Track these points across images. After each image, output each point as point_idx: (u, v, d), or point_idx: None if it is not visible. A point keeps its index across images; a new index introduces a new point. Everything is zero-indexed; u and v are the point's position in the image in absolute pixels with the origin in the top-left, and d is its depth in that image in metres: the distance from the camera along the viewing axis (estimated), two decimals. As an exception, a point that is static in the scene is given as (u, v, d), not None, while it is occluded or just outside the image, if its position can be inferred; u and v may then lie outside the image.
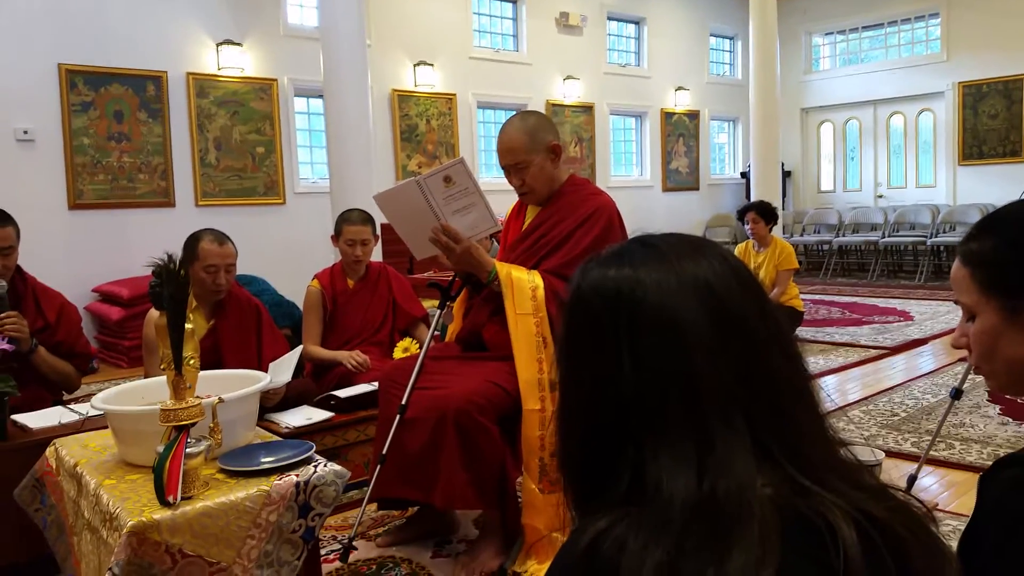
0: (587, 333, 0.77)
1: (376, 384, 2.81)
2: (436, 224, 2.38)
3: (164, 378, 1.83)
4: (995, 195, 9.37)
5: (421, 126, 8.37)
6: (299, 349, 2.89)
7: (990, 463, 0.94)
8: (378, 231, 3.70)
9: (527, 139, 2.48)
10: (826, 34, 11.83)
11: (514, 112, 2.68)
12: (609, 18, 10.28)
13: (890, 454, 3.40)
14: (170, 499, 1.67)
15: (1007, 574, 0.90)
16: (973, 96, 10.11)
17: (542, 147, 2.50)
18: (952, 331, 1.16)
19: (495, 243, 3.29)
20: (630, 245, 0.80)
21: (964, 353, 1.13)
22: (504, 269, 2.43)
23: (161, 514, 1.65)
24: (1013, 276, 1.03)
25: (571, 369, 0.80)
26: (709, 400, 0.71)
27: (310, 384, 3.29)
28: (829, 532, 0.66)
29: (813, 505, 0.68)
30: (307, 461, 1.92)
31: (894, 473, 3.13)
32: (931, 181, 10.78)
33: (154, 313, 2.84)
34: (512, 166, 2.52)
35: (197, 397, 1.83)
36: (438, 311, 2.61)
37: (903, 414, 4.11)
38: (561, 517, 2.26)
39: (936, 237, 9.62)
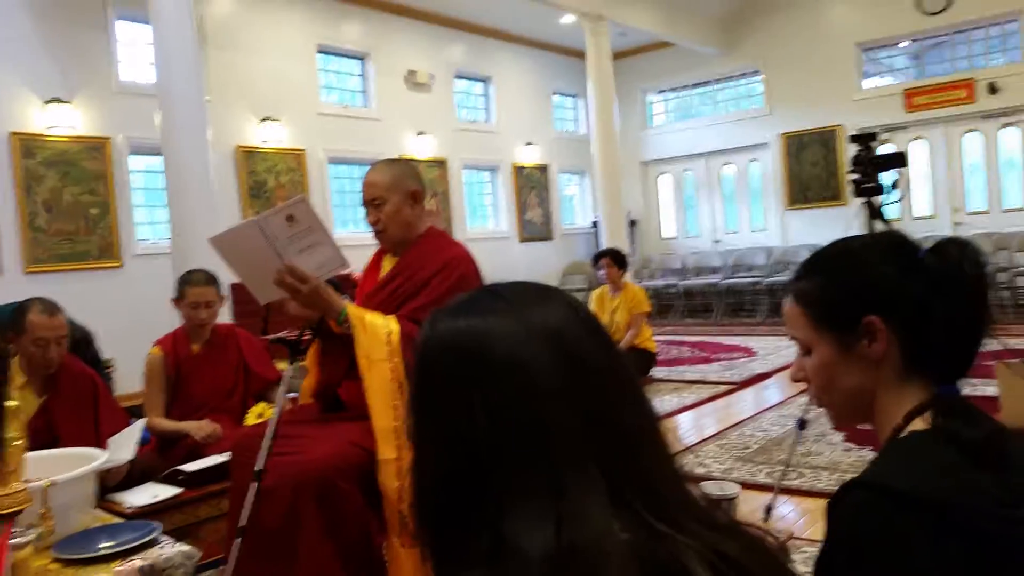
0: (438, 386, 0.76)
1: (228, 455, 2.66)
2: (280, 265, 2.25)
3: (-15, 463, 1.66)
4: (821, 236, 10.01)
5: (270, 182, 8.18)
6: (141, 422, 2.71)
7: (844, 483, 0.99)
8: (224, 291, 3.55)
9: (389, 178, 2.51)
10: (659, 91, 12.55)
11: (367, 167, 2.67)
12: (457, 76, 10.50)
13: (747, 486, 3.53)
14: (-7, 598, 1.50)
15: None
16: (795, 145, 10.97)
17: (402, 189, 2.52)
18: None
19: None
20: (478, 295, 0.80)
21: (806, 384, 1.19)
22: (356, 311, 2.37)
23: (-17, 617, 1.48)
24: (842, 312, 1.08)
25: (424, 425, 0.77)
26: (562, 449, 0.70)
27: (155, 459, 3.08)
28: None
29: (669, 549, 0.68)
30: (152, 543, 1.78)
31: (752, 504, 3.25)
32: (763, 225, 11.55)
33: (-27, 392, 2.59)
34: (370, 201, 2.52)
35: (25, 481, 1.67)
36: (288, 368, 2.51)
37: (755, 446, 4.31)
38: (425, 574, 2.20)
39: (771, 277, 10.27)
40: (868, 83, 10.67)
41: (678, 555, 0.67)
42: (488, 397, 0.72)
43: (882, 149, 9.64)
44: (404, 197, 2.52)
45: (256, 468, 2.26)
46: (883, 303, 1.06)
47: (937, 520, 0.90)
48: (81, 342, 4.25)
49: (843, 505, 0.97)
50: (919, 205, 10.31)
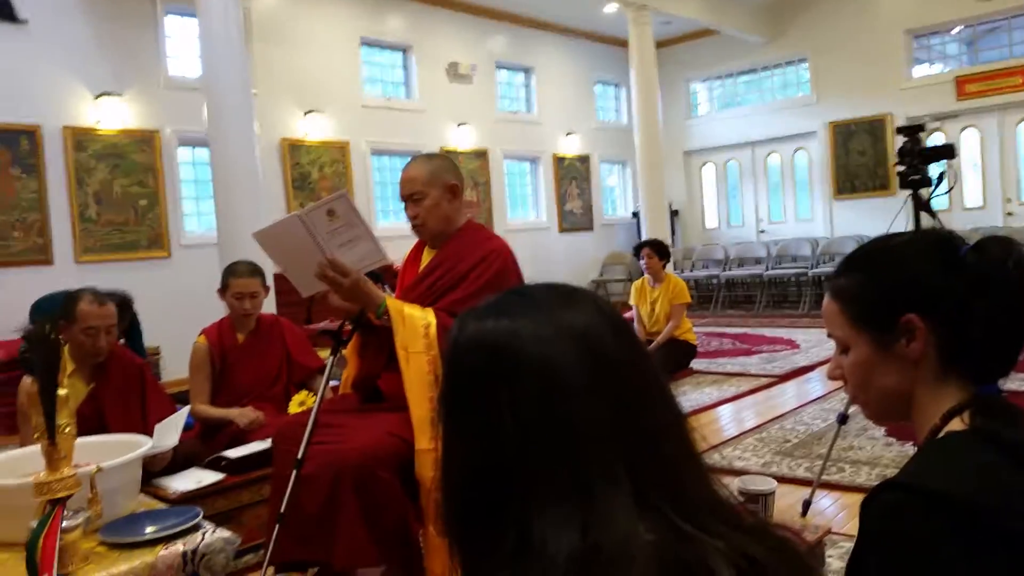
0: (467, 387, 0.77)
1: (270, 442, 2.71)
2: (321, 259, 2.30)
3: (39, 448, 1.72)
4: (868, 226, 9.94)
5: (314, 174, 8.27)
6: (186, 409, 2.78)
7: (878, 483, 0.98)
8: (268, 282, 3.60)
9: (427, 173, 2.53)
10: (704, 80, 12.40)
11: (409, 158, 2.69)
12: (498, 67, 10.49)
13: (786, 480, 3.50)
14: (44, 579, 1.55)
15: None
16: (843, 135, 10.76)
17: (440, 183, 2.53)
18: (836, 358, 1.21)
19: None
20: (506, 296, 0.81)
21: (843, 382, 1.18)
22: (395, 304, 2.40)
23: (34, 597, 1.53)
24: (881, 310, 1.07)
25: (452, 423, 0.79)
26: (589, 448, 0.71)
27: (199, 445, 3.15)
28: None
29: (694, 551, 0.68)
30: (194, 528, 1.83)
31: (790, 499, 3.22)
32: (809, 215, 11.36)
33: (27, 379, 2.68)
34: (409, 196, 2.54)
35: (75, 466, 1.72)
36: (331, 358, 2.55)
37: (795, 440, 4.26)
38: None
39: (816, 268, 10.11)
40: (919, 70, 10.42)
41: (704, 557, 0.68)
42: (516, 396, 0.73)
43: (932, 139, 9.42)
44: (443, 191, 2.54)
45: (297, 456, 2.30)
46: (922, 302, 1.05)
47: (973, 523, 0.89)
48: (121, 305, 4.38)
49: (876, 505, 0.96)
50: (970, 195, 10.06)
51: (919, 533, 0.90)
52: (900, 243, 1.13)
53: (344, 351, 2.63)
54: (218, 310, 3.68)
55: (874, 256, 1.13)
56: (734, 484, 2.52)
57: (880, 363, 1.09)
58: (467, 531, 0.77)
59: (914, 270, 1.07)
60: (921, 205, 3.65)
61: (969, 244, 1.07)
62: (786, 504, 3.14)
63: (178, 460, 2.89)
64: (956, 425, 1.03)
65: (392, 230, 8.32)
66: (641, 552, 0.66)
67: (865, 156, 10.59)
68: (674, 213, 11.76)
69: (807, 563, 0.75)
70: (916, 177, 3.67)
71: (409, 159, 2.66)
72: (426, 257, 2.68)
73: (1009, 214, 9.74)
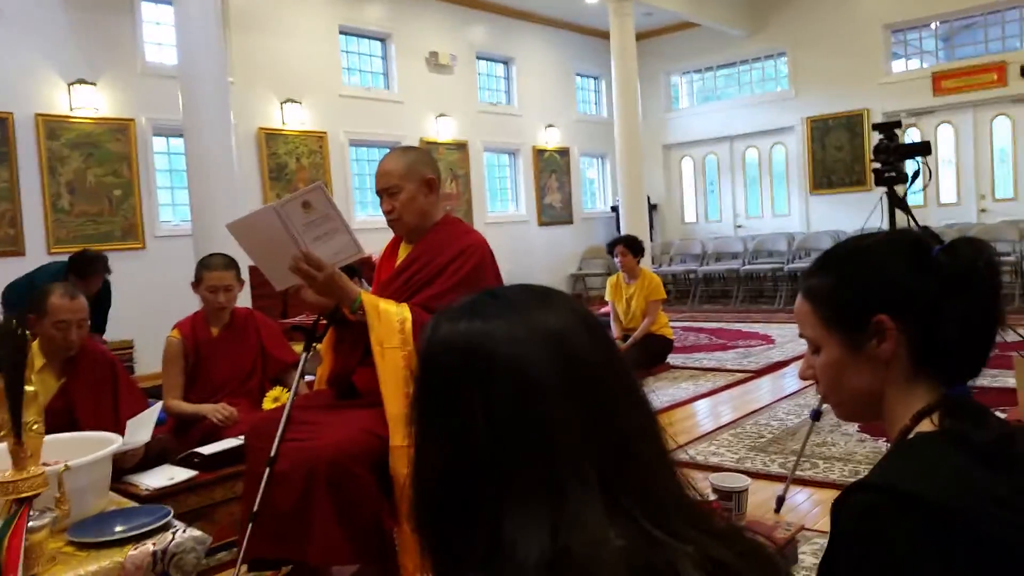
0: (439, 387, 0.77)
1: (243, 438, 2.68)
2: (296, 252, 2.26)
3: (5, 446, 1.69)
4: (844, 222, 10.03)
5: (291, 164, 8.21)
6: (158, 405, 2.74)
7: (852, 479, 0.97)
8: (243, 275, 3.56)
9: (403, 166, 2.50)
10: (683, 73, 12.42)
11: (388, 150, 2.65)
12: (478, 57, 10.45)
13: (759, 475, 3.52)
14: (8, 581, 1.53)
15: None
16: (820, 130, 10.82)
17: (417, 177, 2.50)
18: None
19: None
20: (480, 297, 0.81)
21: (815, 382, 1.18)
22: (371, 299, 2.38)
23: (-2, 598, 1.51)
24: (853, 311, 1.07)
25: (426, 428, 0.78)
26: (560, 450, 0.71)
27: (171, 441, 3.11)
28: None
29: (664, 556, 0.68)
30: (164, 527, 1.80)
31: (764, 494, 3.24)
32: (785, 210, 11.43)
33: (-6, 374, 2.63)
34: (384, 190, 2.51)
35: (43, 464, 1.69)
36: (304, 354, 2.52)
37: (769, 435, 4.28)
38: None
39: (792, 263, 10.17)
40: (896, 65, 10.49)
41: (674, 562, 0.67)
42: (489, 397, 0.73)
43: (907, 135, 9.50)
44: (419, 185, 2.51)
45: (270, 454, 2.28)
46: (894, 302, 1.05)
47: (943, 524, 0.89)
48: (94, 261, 4.40)
49: (847, 507, 0.96)
50: (945, 192, 10.16)
51: (892, 534, 0.90)
52: (872, 243, 1.13)
53: (318, 346, 2.60)
54: (193, 303, 3.64)
55: (846, 257, 1.13)
56: (708, 481, 2.53)
57: (851, 364, 1.09)
58: (438, 531, 0.77)
59: (886, 271, 1.07)
60: (896, 202, 3.68)
61: (941, 244, 1.07)
62: (760, 500, 3.16)
63: (150, 456, 2.85)
64: (926, 426, 1.03)
65: (370, 223, 8.28)
66: (611, 557, 0.66)
67: (842, 151, 10.66)
68: (653, 207, 11.79)
69: (778, 568, 0.75)
70: (892, 174, 3.70)
71: (388, 150, 2.63)
72: (403, 252, 2.66)
73: (983, 210, 9.85)
